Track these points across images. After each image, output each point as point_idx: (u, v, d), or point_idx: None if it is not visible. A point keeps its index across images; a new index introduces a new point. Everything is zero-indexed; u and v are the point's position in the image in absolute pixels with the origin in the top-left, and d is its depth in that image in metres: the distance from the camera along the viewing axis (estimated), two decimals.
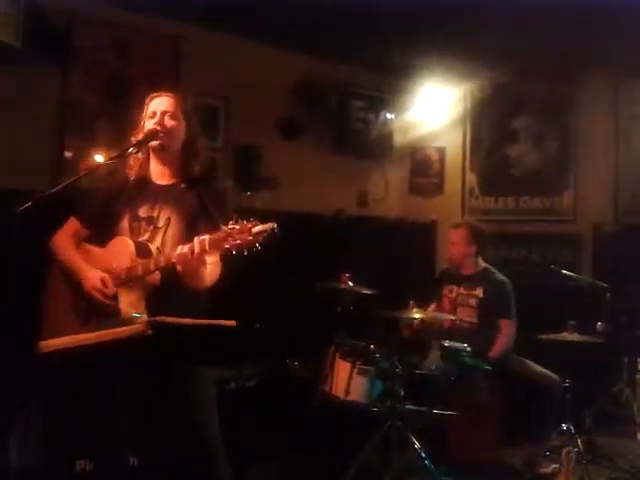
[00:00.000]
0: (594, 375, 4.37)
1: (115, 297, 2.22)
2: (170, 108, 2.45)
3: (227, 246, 1.99)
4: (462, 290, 4.17)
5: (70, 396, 2.28)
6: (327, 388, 3.74)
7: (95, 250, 2.44)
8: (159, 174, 2.48)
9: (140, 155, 2.47)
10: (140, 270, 2.21)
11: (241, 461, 3.51)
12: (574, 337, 3.59)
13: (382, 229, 5.39)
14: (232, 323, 1.78)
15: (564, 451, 3.44)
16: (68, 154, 4.08)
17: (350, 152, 5.35)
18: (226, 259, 2.31)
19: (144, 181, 2.46)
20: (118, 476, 2.18)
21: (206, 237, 2.06)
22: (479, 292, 4.11)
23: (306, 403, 3.84)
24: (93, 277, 2.30)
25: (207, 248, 2.06)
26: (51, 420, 2.65)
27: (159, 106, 2.45)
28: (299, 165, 5.03)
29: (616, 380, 4.43)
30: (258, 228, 1.99)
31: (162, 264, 2.17)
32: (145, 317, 1.95)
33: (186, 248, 2.09)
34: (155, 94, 2.51)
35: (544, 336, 3.71)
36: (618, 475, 3.85)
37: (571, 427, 3.57)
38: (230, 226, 2.02)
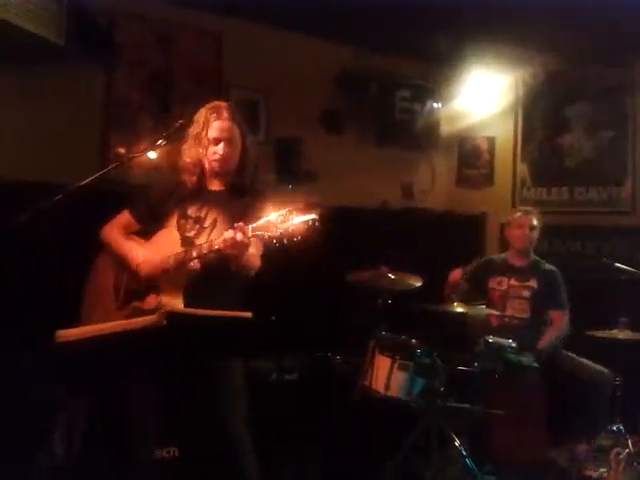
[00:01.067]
0: None
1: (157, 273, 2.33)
2: (230, 135, 2.54)
3: (269, 234, 2.04)
4: (513, 282, 4.06)
5: (102, 392, 2.34)
6: (367, 383, 3.69)
7: (140, 241, 2.58)
8: (213, 181, 2.63)
9: (198, 162, 2.59)
10: (182, 257, 2.29)
11: (280, 453, 3.54)
12: (626, 335, 3.42)
13: (428, 221, 5.28)
14: (248, 315, 1.77)
15: (613, 452, 3.29)
16: (114, 150, 4.15)
17: (395, 144, 5.25)
18: (267, 250, 2.39)
19: (198, 187, 2.61)
20: (141, 470, 2.21)
21: (249, 225, 2.14)
22: (533, 283, 4.01)
23: (347, 397, 3.80)
24: (138, 255, 2.46)
25: (250, 234, 2.11)
26: (92, 418, 2.71)
27: (221, 133, 2.54)
28: (342, 158, 4.97)
29: None
30: (299, 218, 2.02)
31: (205, 250, 2.24)
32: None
33: (231, 232, 2.16)
34: (213, 112, 2.56)
35: (594, 333, 3.56)
36: None
37: (621, 427, 3.40)
38: (272, 215, 2.07)
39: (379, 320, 3.87)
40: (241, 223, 2.17)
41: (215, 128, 2.54)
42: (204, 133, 2.55)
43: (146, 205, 2.64)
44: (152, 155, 2.87)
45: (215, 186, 2.62)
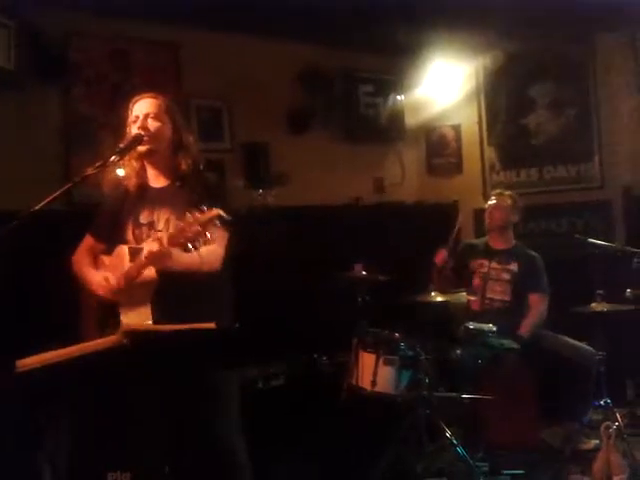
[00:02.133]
0: (633, 345, 4.21)
1: (119, 293, 2.29)
2: (153, 110, 2.45)
3: (182, 240, 2.04)
4: (494, 265, 4.06)
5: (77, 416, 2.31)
6: (354, 381, 3.68)
7: (105, 260, 2.51)
8: (154, 178, 2.52)
9: (135, 163, 2.49)
10: (126, 277, 2.27)
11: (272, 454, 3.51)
12: (603, 307, 3.44)
13: (401, 214, 5.29)
14: (212, 326, 1.74)
15: (603, 426, 3.30)
16: (75, 169, 4.09)
17: (362, 139, 5.26)
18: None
19: (143, 188, 2.50)
20: None
21: (164, 235, 2.13)
22: (514, 267, 4.02)
23: (335, 397, 3.78)
24: (97, 278, 2.38)
25: (166, 245, 2.11)
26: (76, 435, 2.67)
27: (141, 109, 2.46)
28: (310, 158, 4.95)
29: None
30: (204, 217, 2.02)
31: (140, 267, 2.22)
32: None
33: (146, 250, 2.16)
34: (137, 97, 2.51)
35: (573, 308, 3.58)
36: None
37: (609, 401, 3.42)
38: (185, 220, 2.06)
39: (360, 317, 3.86)
40: (159, 233, 2.18)
41: (137, 107, 2.46)
42: (129, 120, 2.46)
43: (100, 222, 2.57)
44: (120, 172, 2.80)
45: (160, 182, 2.50)
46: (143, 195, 2.48)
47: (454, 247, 4.05)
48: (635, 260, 3.68)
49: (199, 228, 1.99)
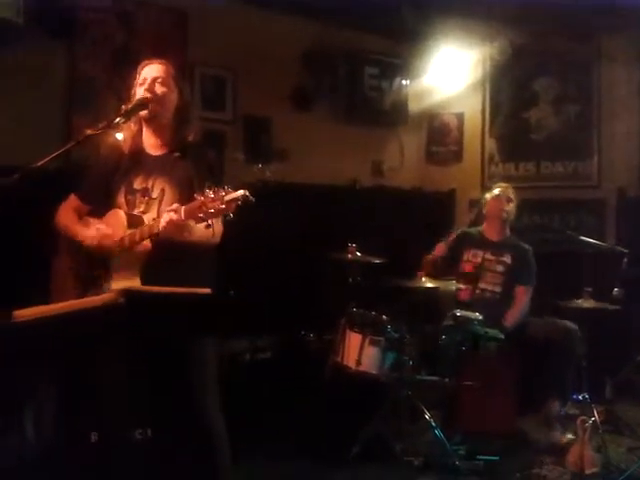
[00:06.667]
0: (616, 343, 4.27)
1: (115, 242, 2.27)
2: (161, 74, 2.42)
3: (201, 215, 2.02)
4: (489, 256, 4.10)
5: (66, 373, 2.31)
6: (339, 359, 3.73)
7: (93, 222, 2.46)
8: (152, 145, 2.47)
9: (133, 126, 2.46)
10: (127, 241, 2.24)
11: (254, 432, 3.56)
12: (589, 304, 3.49)
13: (398, 199, 5.31)
14: (207, 291, 1.76)
15: (579, 420, 3.37)
16: (76, 129, 4.07)
17: (364, 121, 5.25)
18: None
19: (138, 153, 2.46)
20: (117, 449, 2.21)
21: (182, 207, 2.09)
22: (507, 259, 4.06)
23: (320, 374, 3.83)
24: (90, 231, 2.35)
25: (183, 218, 2.08)
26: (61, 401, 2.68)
27: (149, 73, 2.43)
28: (311, 136, 4.96)
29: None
30: (230, 196, 2.00)
31: (146, 235, 2.19)
32: None
33: (167, 216, 2.12)
34: (147, 61, 2.48)
35: (560, 303, 3.62)
36: (638, 445, 3.77)
37: (587, 396, 3.48)
38: (205, 195, 2.03)
39: (350, 298, 3.90)
40: (175, 205, 2.13)
41: (145, 71, 2.42)
42: (135, 82, 2.42)
43: (90, 184, 2.52)
44: (119, 135, 2.78)
45: (158, 150, 2.46)
46: (139, 160, 2.44)
47: (451, 242, 4.08)
48: (625, 260, 3.72)
49: (222, 206, 1.98)
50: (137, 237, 2.22)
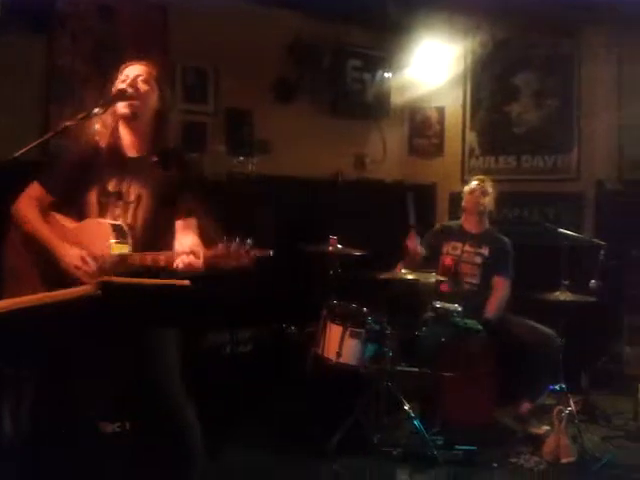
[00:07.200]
0: (592, 335, 4.33)
1: (95, 275, 2.18)
2: (144, 74, 2.38)
3: (221, 264, 2.04)
4: (467, 247, 4.14)
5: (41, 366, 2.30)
6: (319, 351, 3.75)
7: (68, 225, 2.38)
8: (129, 145, 2.39)
9: (111, 121, 2.38)
10: (137, 260, 2.19)
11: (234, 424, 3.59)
12: (566, 296, 3.53)
13: (380, 192, 5.33)
14: (186, 283, 1.77)
15: (555, 410, 3.42)
16: (54, 122, 4.05)
17: (346, 113, 5.27)
18: None
19: (114, 152, 2.38)
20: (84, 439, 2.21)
21: (203, 252, 2.09)
22: (485, 251, 4.11)
23: (301, 366, 3.86)
24: (73, 255, 2.25)
25: (202, 265, 2.08)
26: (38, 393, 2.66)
27: (132, 72, 2.39)
28: (293, 128, 4.95)
29: (615, 340, 4.38)
30: (256, 253, 2.03)
31: (162, 263, 2.14)
32: None
33: (185, 258, 2.10)
34: (130, 62, 2.44)
35: (538, 295, 3.66)
36: (613, 434, 3.84)
37: (563, 386, 3.53)
38: (229, 246, 2.03)
39: (331, 290, 3.92)
40: (198, 248, 2.10)
41: (128, 70, 2.38)
42: (117, 81, 2.37)
43: (58, 175, 2.40)
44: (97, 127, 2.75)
45: (135, 151, 2.38)
46: (114, 160, 2.37)
47: (430, 238, 4.13)
48: (601, 252, 3.77)
49: (246, 260, 2.00)
50: (149, 261, 2.16)
